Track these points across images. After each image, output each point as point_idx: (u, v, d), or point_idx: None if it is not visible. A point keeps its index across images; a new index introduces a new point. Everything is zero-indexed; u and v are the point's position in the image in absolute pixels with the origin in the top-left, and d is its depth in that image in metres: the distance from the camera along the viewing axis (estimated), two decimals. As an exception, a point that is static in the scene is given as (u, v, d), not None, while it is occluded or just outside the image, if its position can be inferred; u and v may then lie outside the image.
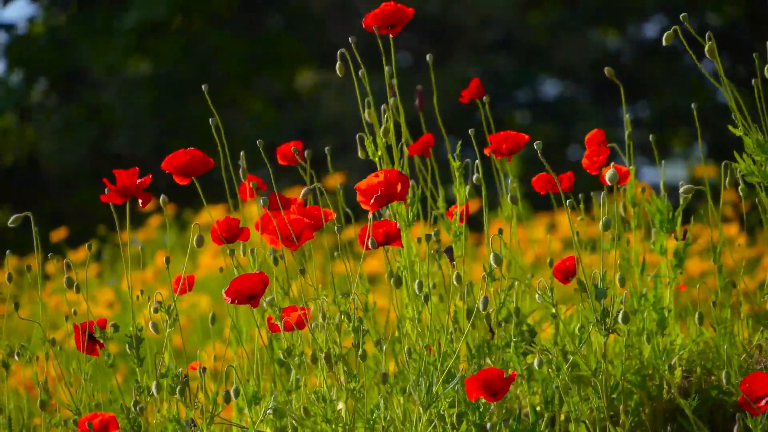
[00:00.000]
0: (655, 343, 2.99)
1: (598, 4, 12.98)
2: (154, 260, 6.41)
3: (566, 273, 2.75)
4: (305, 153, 3.03)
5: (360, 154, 2.97)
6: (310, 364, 2.89)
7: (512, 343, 2.92)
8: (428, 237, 2.80)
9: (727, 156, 3.02)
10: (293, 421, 2.74)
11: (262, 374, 2.95)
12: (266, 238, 2.73)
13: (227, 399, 2.71)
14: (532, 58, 12.91)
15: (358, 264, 2.78)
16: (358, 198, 2.68)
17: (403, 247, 2.90)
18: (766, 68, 2.77)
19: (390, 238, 2.67)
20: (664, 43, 2.76)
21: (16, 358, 2.90)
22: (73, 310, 2.96)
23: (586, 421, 2.71)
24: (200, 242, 2.74)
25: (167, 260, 2.76)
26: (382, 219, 2.86)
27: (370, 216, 2.67)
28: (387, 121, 2.93)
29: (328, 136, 12.09)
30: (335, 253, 2.99)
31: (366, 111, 2.99)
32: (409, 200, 2.96)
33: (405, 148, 3.01)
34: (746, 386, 2.52)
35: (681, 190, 2.91)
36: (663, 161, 3.27)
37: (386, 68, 2.97)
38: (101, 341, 2.80)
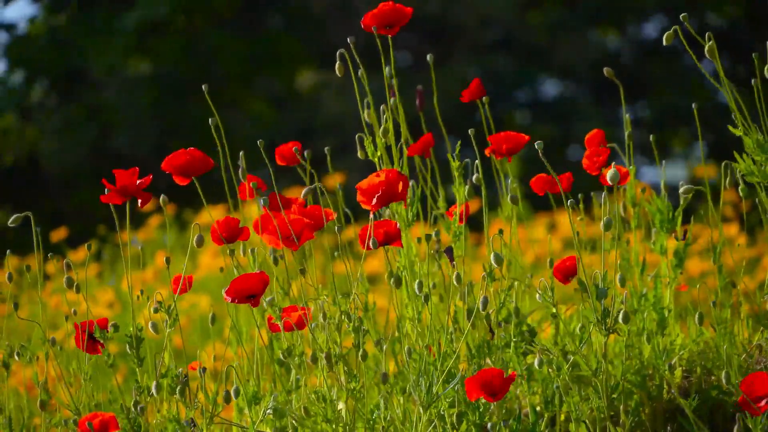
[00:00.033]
0: (655, 343, 2.99)
1: (598, 4, 12.98)
2: (154, 260, 6.41)
3: (566, 273, 2.75)
4: (305, 153, 3.03)
5: (359, 154, 2.97)
6: (310, 364, 2.89)
7: (512, 343, 2.92)
8: (428, 237, 2.80)
9: (727, 156, 3.02)
10: (293, 421, 2.74)
11: (262, 374, 2.95)
12: (266, 238, 2.73)
13: (227, 399, 2.71)
14: (532, 58, 12.91)
15: (359, 264, 2.78)
16: (359, 198, 2.68)
17: (403, 247, 2.90)
18: (766, 68, 2.77)
19: (390, 238, 2.67)
20: (664, 42, 2.76)
21: (17, 358, 2.90)
22: (73, 310, 2.95)
23: (587, 421, 2.71)
24: (200, 242, 2.74)
25: (167, 260, 2.76)
26: (381, 219, 2.86)
27: (371, 216, 2.67)
28: (386, 121, 2.93)
29: (328, 136, 12.09)
30: (335, 253, 2.99)
31: (365, 111, 2.99)
32: (408, 200, 2.96)
33: (405, 148, 3.01)
34: (746, 386, 2.52)
35: (681, 190, 2.91)
36: (664, 161, 3.27)
37: (386, 69, 2.97)
38: (101, 341, 2.80)
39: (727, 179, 3.02)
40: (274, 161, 3.04)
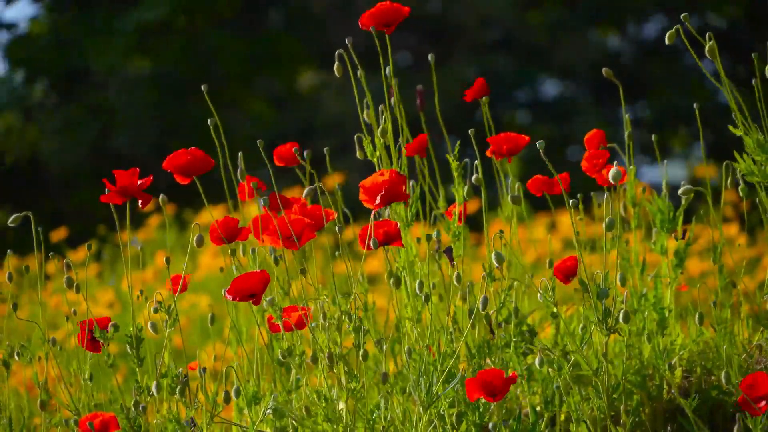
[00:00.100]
0: (655, 343, 2.99)
1: (598, 4, 12.98)
2: (154, 260, 6.41)
3: (567, 273, 2.75)
4: (304, 153, 3.03)
5: (358, 154, 2.97)
6: (310, 364, 2.89)
7: (512, 343, 2.92)
8: (429, 237, 2.80)
9: (727, 156, 3.02)
10: (293, 421, 2.74)
11: (262, 374, 2.95)
12: (267, 238, 2.73)
13: (227, 399, 2.71)
14: (532, 58, 12.91)
15: (358, 264, 2.78)
16: (362, 196, 2.68)
17: (403, 246, 2.90)
18: (766, 68, 2.77)
19: (390, 238, 2.67)
20: (666, 42, 2.76)
21: (17, 358, 2.90)
22: (73, 310, 2.95)
23: (587, 421, 2.71)
24: (200, 242, 2.74)
25: (167, 260, 2.76)
26: (380, 219, 2.86)
27: (372, 216, 2.67)
28: (385, 121, 2.93)
29: (328, 136, 12.09)
30: (336, 253, 2.99)
31: (365, 111, 2.99)
32: (408, 200, 2.96)
33: (404, 148, 3.01)
34: (746, 386, 2.52)
35: (680, 191, 2.91)
36: (665, 161, 3.27)
37: (385, 69, 2.97)
38: (101, 341, 2.80)
39: (728, 179, 3.02)
40: (273, 161, 3.04)
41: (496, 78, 12.46)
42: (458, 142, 2.93)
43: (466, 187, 2.93)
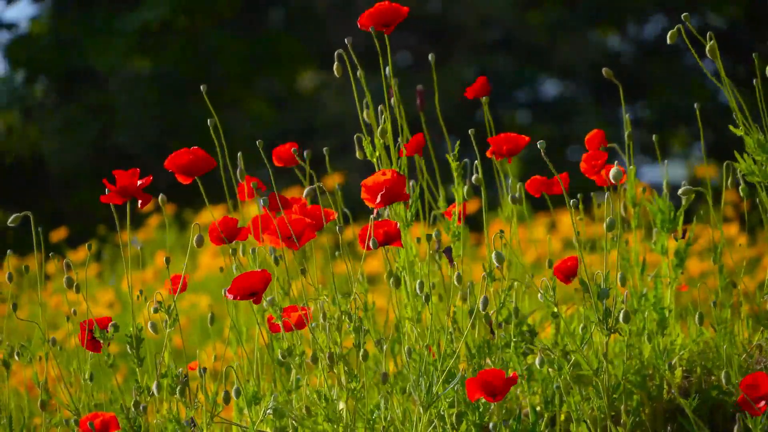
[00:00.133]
0: (655, 343, 2.99)
1: (598, 4, 12.97)
2: (154, 260, 6.41)
3: (567, 273, 2.75)
4: (304, 153, 3.03)
5: (358, 154, 2.97)
6: (310, 364, 2.89)
7: (512, 343, 2.92)
8: (429, 237, 2.80)
9: (727, 156, 3.02)
10: (293, 421, 2.73)
11: (262, 374, 2.95)
12: (267, 238, 2.73)
13: (227, 399, 2.71)
14: (532, 58, 12.90)
15: (358, 264, 2.78)
16: (363, 195, 2.68)
17: (402, 247, 2.90)
18: (767, 68, 2.77)
19: (390, 238, 2.67)
20: (668, 41, 2.76)
21: (17, 358, 2.90)
22: (73, 310, 2.95)
23: (587, 421, 2.71)
24: (200, 242, 2.74)
25: (167, 260, 2.76)
26: (380, 219, 2.86)
27: (372, 216, 2.67)
28: (384, 122, 2.93)
29: (328, 136, 12.09)
30: (336, 253, 2.99)
31: (365, 111, 2.99)
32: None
33: (404, 148, 3.01)
34: (746, 386, 2.52)
35: (680, 191, 2.91)
36: (666, 161, 3.27)
37: (385, 69, 2.97)
38: (101, 341, 2.80)
39: (729, 179, 3.02)
40: (273, 162, 3.04)
41: (496, 78, 12.46)
42: (458, 142, 2.93)
43: (465, 187, 2.93)
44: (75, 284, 2.81)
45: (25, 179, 12.86)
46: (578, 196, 2.80)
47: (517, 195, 2.96)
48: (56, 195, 12.75)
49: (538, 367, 2.67)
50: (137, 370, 2.80)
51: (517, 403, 3.02)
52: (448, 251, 2.96)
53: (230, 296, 2.61)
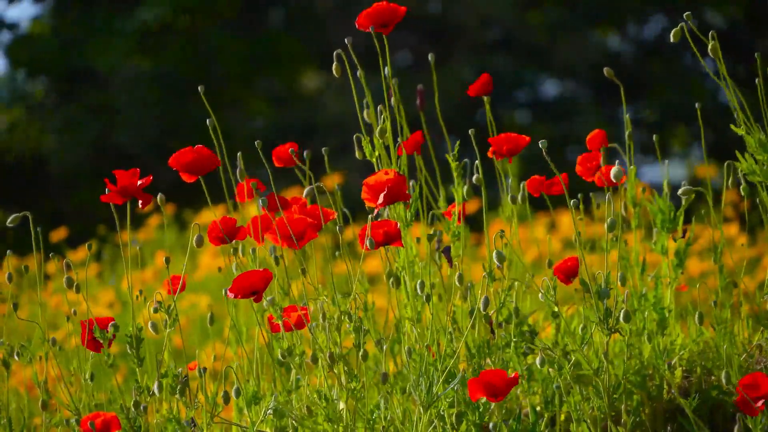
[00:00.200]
0: (655, 343, 2.98)
1: (598, 4, 12.97)
2: (154, 260, 6.41)
3: (568, 273, 2.75)
4: (304, 153, 3.03)
5: (357, 154, 2.97)
6: (310, 364, 2.89)
7: (512, 343, 2.92)
8: (430, 237, 2.80)
9: (727, 156, 3.01)
10: (293, 421, 2.73)
11: (262, 374, 2.95)
12: (269, 237, 2.74)
13: (226, 399, 2.71)
14: (532, 58, 12.90)
15: (358, 264, 2.78)
16: (364, 195, 2.68)
17: (402, 247, 2.90)
18: None
19: (390, 238, 2.67)
20: (672, 39, 2.76)
21: (16, 358, 2.90)
22: (73, 310, 2.95)
23: (587, 421, 2.71)
24: (200, 242, 2.74)
25: (167, 260, 2.76)
26: (379, 219, 2.85)
27: (370, 216, 2.67)
28: (383, 121, 2.93)
29: (329, 136, 12.09)
30: (336, 253, 2.99)
31: (365, 111, 2.99)
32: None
33: (404, 148, 3.01)
34: (745, 386, 2.52)
35: (680, 191, 2.91)
36: (666, 161, 3.27)
37: (384, 69, 2.97)
38: (105, 340, 2.80)
39: (729, 179, 3.02)
40: (272, 162, 3.04)
41: (496, 78, 12.42)
42: (458, 142, 2.93)
43: (465, 187, 2.93)
44: (75, 284, 2.81)
45: (25, 179, 12.86)
46: (579, 196, 2.80)
47: (517, 195, 2.96)
48: (56, 195, 12.75)
49: (538, 366, 2.67)
50: (137, 370, 2.80)
51: (517, 403, 3.02)
52: (447, 251, 2.96)
53: (231, 295, 2.61)
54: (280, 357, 2.84)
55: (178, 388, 2.72)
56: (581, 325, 2.75)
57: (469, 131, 2.90)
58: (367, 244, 2.62)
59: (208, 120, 2.96)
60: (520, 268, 3.20)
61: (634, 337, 3.04)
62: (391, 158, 2.95)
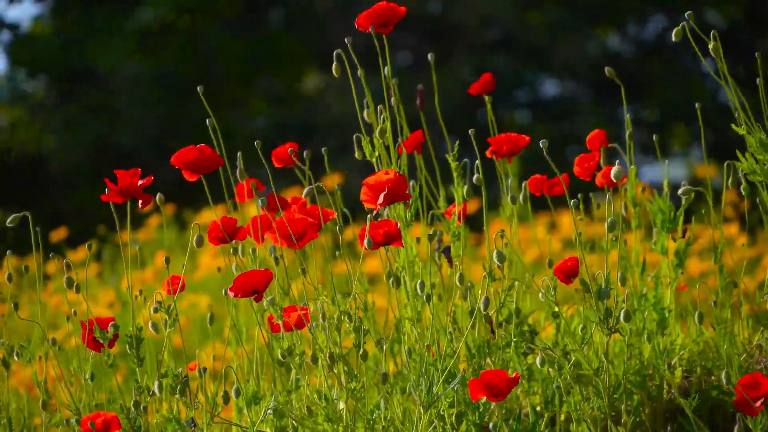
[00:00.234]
0: (655, 343, 2.98)
1: (598, 4, 12.98)
2: (154, 260, 6.41)
3: (568, 273, 2.76)
4: (304, 153, 3.03)
5: (357, 154, 2.96)
6: (310, 364, 2.89)
7: (512, 343, 2.92)
8: (431, 237, 2.80)
9: (727, 155, 3.01)
10: (293, 421, 2.73)
11: (262, 374, 2.95)
12: (270, 237, 2.74)
13: (226, 399, 2.71)
14: (532, 58, 12.91)
15: (358, 264, 2.78)
16: (363, 195, 2.68)
17: (403, 247, 2.90)
18: None
19: (390, 238, 2.67)
20: (673, 38, 2.76)
21: (16, 358, 2.90)
22: (73, 310, 2.95)
23: (587, 421, 2.71)
24: (200, 242, 2.74)
25: (167, 260, 2.76)
26: (379, 219, 2.85)
27: (369, 216, 2.67)
28: (383, 121, 2.93)
29: (329, 135, 12.09)
30: (336, 253, 2.99)
31: (365, 111, 2.99)
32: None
33: (404, 148, 3.01)
34: (745, 386, 2.52)
35: (680, 191, 2.91)
36: (667, 161, 3.27)
37: (384, 69, 2.97)
38: (102, 341, 2.80)
39: (729, 179, 3.02)
40: (272, 162, 3.04)
41: (496, 78, 12.45)
42: (458, 142, 2.93)
43: (465, 187, 2.93)
44: (75, 284, 2.81)
45: (26, 179, 12.86)
46: (579, 196, 2.80)
47: (518, 195, 2.96)
48: (56, 195, 12.75)
49: (538, 366, 2.67)
50: (137, 370, 2.80)
51: (517, 403, 3.02)
52: (447, 251, 2.96)
53: (232, 294, 2.61)
54: (280, 357, 2.84)
55: (178, 388, 2.72)
56: (581, 325, 2.75)
57: (469, 131, 2.90)
58: (366, 244, 2.62)
59: (208, 120, 2.96)
60: (520, 268, 3.19)
61: (634, 337, 3.04)
62: (391, 158, 2.95)
